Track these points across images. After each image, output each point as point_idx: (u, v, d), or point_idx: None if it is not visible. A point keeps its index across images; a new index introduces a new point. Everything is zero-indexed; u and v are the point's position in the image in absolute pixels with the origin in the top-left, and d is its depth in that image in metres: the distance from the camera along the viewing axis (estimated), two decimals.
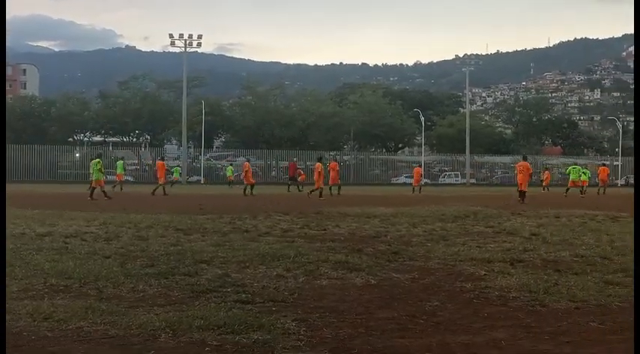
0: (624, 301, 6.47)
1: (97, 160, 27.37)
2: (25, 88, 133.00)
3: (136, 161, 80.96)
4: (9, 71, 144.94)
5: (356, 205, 23.00)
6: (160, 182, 33.22)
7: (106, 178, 32.38)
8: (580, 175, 36.84)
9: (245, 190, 33.54)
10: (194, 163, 77.29)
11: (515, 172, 29.80)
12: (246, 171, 35.02)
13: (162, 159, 39.03)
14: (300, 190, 38.42)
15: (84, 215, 16.47)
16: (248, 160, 39.39)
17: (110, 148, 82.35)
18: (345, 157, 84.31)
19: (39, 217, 15.61)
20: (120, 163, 44.39)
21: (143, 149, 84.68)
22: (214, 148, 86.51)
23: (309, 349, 4.75)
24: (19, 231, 12.31)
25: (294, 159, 63.77)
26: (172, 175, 50.80)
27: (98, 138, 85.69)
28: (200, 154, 75.67)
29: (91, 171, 27.53)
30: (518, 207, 22.48)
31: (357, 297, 6.66)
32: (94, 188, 26.85)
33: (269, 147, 77.56)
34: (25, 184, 48.56)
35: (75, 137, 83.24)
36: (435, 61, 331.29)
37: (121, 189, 37.34)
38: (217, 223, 14.69)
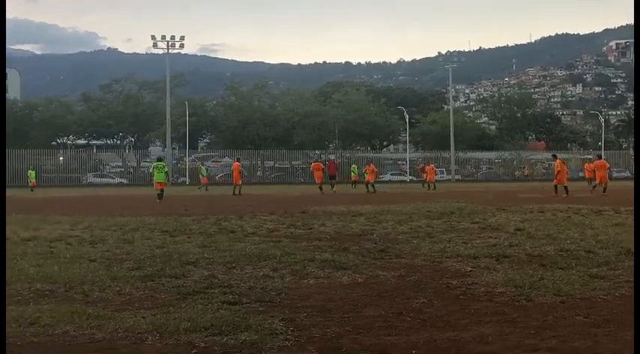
0: (608, 294, 6.53)
1: (161, 163, 28.42)
2: (7, 93, 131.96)
3: (121, 163, 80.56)
4: None
5: (342, 203, 23.01)
6: (237, 183, 33.90)
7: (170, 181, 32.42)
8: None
9: (234, 190, 33.38)
10: (179, 165, 76.98)
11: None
12: (236, 171, 34.91)
13: (238, 160, 38.95)
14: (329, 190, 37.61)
15: (68, 219, 16.38)
16: (238, 160, 38.88)
17: (94, 150, 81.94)
18: (330, 156, 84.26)
19: (23, 222, 15.48)
20: (203, 168, 49.24)
21: (127, 151, 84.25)
22: (199, 149, 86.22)
23: (296, 348, 4.76)
24: None
25: (332, 157, 63.72)
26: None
27: (82, 141, 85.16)
28: (185, 155, 75.35)
29: (153, 173, 28.22)
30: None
31: (344, 295, 6.67)
32: (162, 190, 27.31)
33: (254, 147, 77.36)
34: (9, 189, 48.13)
35: (58, 141, 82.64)
36: (418, 59, 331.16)
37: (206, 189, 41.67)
38: (203, 225, 14.66)
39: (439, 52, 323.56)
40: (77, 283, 7.19)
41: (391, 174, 78.90)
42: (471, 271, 8.02)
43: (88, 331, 5.15)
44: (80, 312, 5.74)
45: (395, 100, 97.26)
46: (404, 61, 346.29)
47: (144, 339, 4.96)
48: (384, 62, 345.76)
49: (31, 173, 50.68)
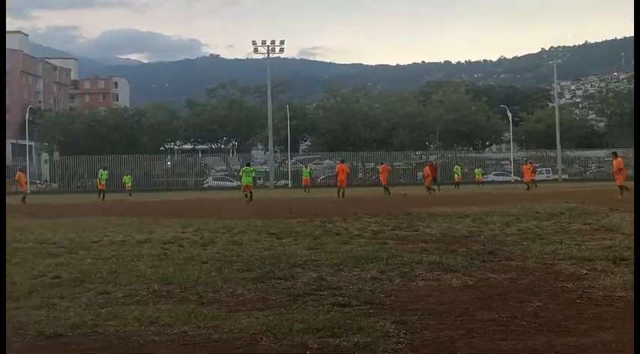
0: None
1: (249, 168, 30.62)
2: (117, 100, 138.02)
3: (225, 167, 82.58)
4: (102, 85, 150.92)
5: (445, 204, 22.72)
6: (342, 186, 33.96)
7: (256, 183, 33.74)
8: None
9: (339, 192, 33.26)
10: (281, 168, 78.13)
11: None
12: (341, 172, 34.94)
13: (343, 162, 39.48)
14: (433, 191, 37.57)
15: (179, 222, 16.93)
16: (342, 162, 38.92)
17: (200, 155, 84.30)
18: (431, 157, 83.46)
19: (137, 225, 16.13)
20: (306, 170, 50.79)
21: (231, 155, 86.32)
22: (300, 152, 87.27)
23: (410, 352, 4.72)
24: (119, 238, 12.78)
25: (433, 161, 63.67)
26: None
27: (188, 146, 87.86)
28: (287, 159, 76.44)
29: (242, 176, 30.59)
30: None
31: (455, 298, 6.56)
32: (250, 192, 29.19)
33: (354, 149, 77.58)
34: (121, 194, 50.29)
35: (166, 146, 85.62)
36: (519, 56, 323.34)
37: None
38: (308, 227, 14.81)
39: (542, 48, 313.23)
40: (191, 284, 7.40)
41: (494, 174, 77.30)
42: (586, 274, 7.72)
43: (205, 331, 5.29)
44: (196, 312, 5.90)
45: (496, 98, 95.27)
46: (505, 58, 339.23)
47: (258, 340, 5.04)
48: (485, 60, 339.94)
49: (127, 178, 53.76)
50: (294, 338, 5.04)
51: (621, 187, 26.52)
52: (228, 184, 70.89)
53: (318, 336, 5.08)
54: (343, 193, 32.92)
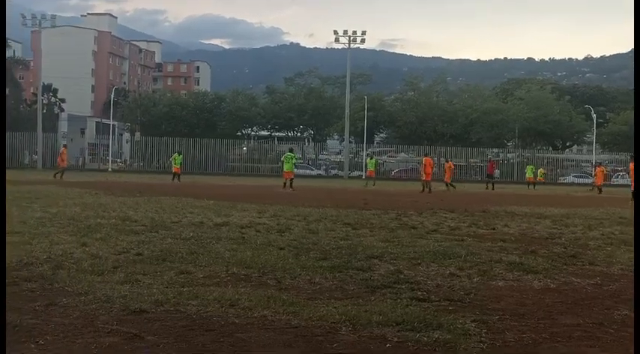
0: None
1: (291, 154, 30.59)
2: (198, 85, 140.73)
3: (300, 155, 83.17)
4: (184, 69, 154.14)
5: (523, 204, 22.25)
6: (427, 179, 33.22)
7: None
8: None
9: (424, 187, 32.29)
10: (355, 159, 78.06)
11: None
12: (429, 166, 33.80)
13: (427, 155, 37.66)
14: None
15: (255, 207, 17.14)
16: (427, 155, 37.08)
17: (275, 142, 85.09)
18: (508, 155, 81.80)
19: (214, 208, 16.40)
20: (372, 161, 46.91)
21: (307, 144, 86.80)
22: (375, 144, 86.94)
23: (492, 352, 4.62)
24: (198, 220, 13.02)
25: (490, 157, 62.67)
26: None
27: (265, 132, 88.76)
28: (362, 150, 76.29)
29: (284, 162, 30.74)
30: None
31: (537, 301, 6.40)
32: (291, 179, 29.60)
33: (430, 143, 76.74)
34: (197, 176, 51.29)
35: (243, 131, 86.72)
36: (607, 55, 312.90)
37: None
38: (383, 219, 14.74)
39: (632, 48, 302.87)
40: (269, 270, 7.46)
41: (574, 176, 75.20)
42: None
43: (284, 317, 5.31)
44: (275, 297, 5.94)
45: (580, 98, 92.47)
46: (591, 57, 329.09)
47: (337, 329, 5.03)
48: (570, 58, 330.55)
49: (176, 157, 40.19)
50: (374, 330, 5.01)
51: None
52: (309, 172, 71.35)
53: (398, 329, 5.03)
54: (430, 188, 31.93)
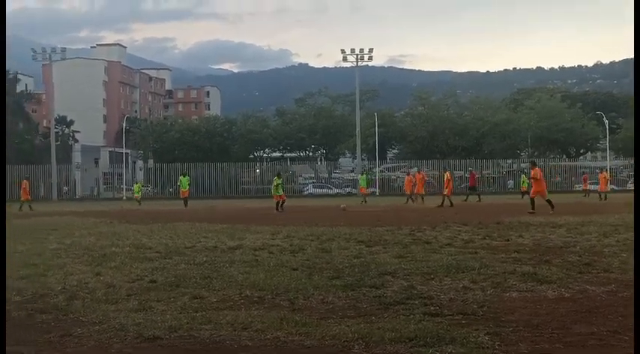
0: None
1: (278, 179, 31.29)
2: (209, 110, 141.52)
3: (313, 175, 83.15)
4: (194, 94, 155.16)
5: (538, 213, 22.13)
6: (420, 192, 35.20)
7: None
8: None
9: (444, 201, 31.94)
10: (369, 176, 77.96)
11: None
12: (419, 181, 34.91)
13: (445, 169, 38.78)
14: (479, 201, 37.07)
15: (268, 229, 17.17)
16: (419, 170, 38.67)
17: (288, 163, 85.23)
18: (522, 165, 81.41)
19: (228, 231, 16.46)
20: (363, 177, 47.62)
21: (319, 163, 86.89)
22: (388, 160, 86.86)
23: None
24: (212, 244, 13.07)
25: (470, 169, 62.38)
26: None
27: (277, 154, 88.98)
28: (374, 167, 76.25)
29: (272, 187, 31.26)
30: None
31: (551, 310, 6.38)
32: (283, 201, 30.27)
33: (443, 157, 76.61)
34: (211, 201, 51.42)
35: (255, 154, 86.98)
36: (617, 61, 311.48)
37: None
38: (397, 235, 14.72)
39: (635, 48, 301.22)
40: (282, 291, 7.48)
41: (590, 183, 74.63)
42: None
43: (297, 338, 5.33)
44: (288, 318, 5.96)
45: (592, 105, 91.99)
46: (601, 63, 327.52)
47: (350, 347, 5.04)
48: (579, 66, 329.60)
49: (182, 180, 39.28)
50: (386, 347, 5.02)
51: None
52: (327, 191, 71.68)
53: (411, 345, 5.04)
54: (451, 202, 31.40)
